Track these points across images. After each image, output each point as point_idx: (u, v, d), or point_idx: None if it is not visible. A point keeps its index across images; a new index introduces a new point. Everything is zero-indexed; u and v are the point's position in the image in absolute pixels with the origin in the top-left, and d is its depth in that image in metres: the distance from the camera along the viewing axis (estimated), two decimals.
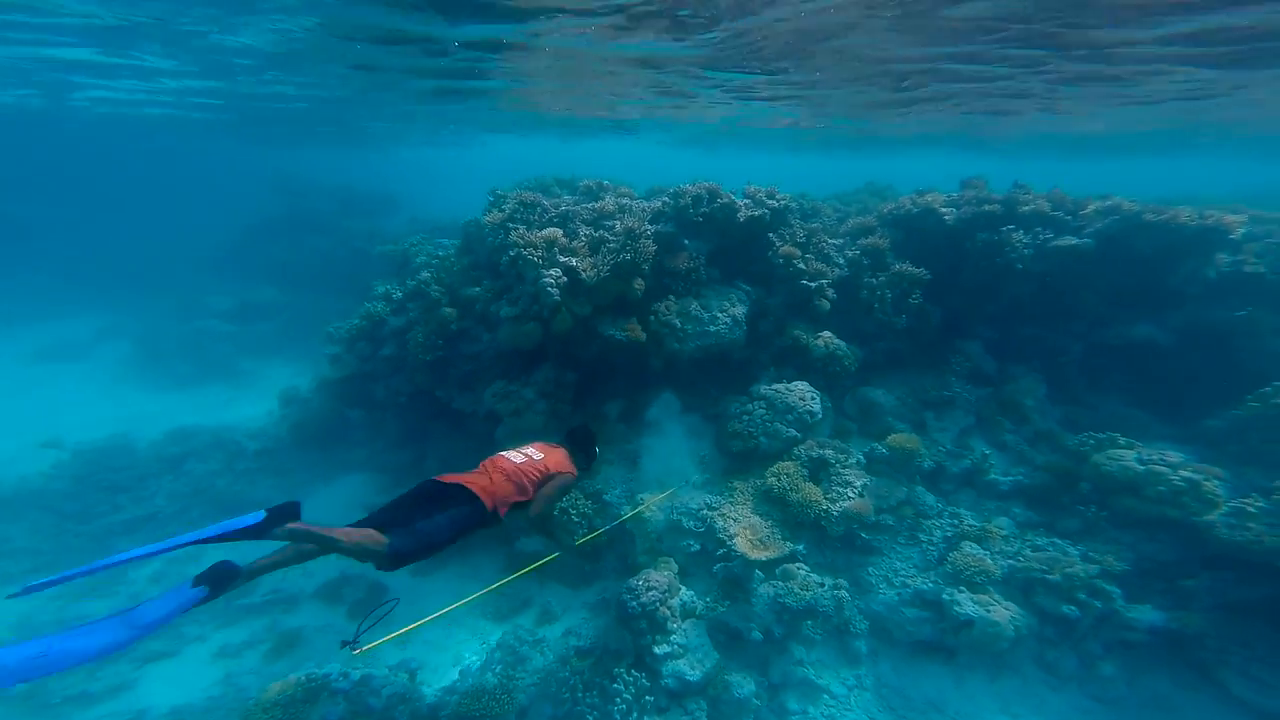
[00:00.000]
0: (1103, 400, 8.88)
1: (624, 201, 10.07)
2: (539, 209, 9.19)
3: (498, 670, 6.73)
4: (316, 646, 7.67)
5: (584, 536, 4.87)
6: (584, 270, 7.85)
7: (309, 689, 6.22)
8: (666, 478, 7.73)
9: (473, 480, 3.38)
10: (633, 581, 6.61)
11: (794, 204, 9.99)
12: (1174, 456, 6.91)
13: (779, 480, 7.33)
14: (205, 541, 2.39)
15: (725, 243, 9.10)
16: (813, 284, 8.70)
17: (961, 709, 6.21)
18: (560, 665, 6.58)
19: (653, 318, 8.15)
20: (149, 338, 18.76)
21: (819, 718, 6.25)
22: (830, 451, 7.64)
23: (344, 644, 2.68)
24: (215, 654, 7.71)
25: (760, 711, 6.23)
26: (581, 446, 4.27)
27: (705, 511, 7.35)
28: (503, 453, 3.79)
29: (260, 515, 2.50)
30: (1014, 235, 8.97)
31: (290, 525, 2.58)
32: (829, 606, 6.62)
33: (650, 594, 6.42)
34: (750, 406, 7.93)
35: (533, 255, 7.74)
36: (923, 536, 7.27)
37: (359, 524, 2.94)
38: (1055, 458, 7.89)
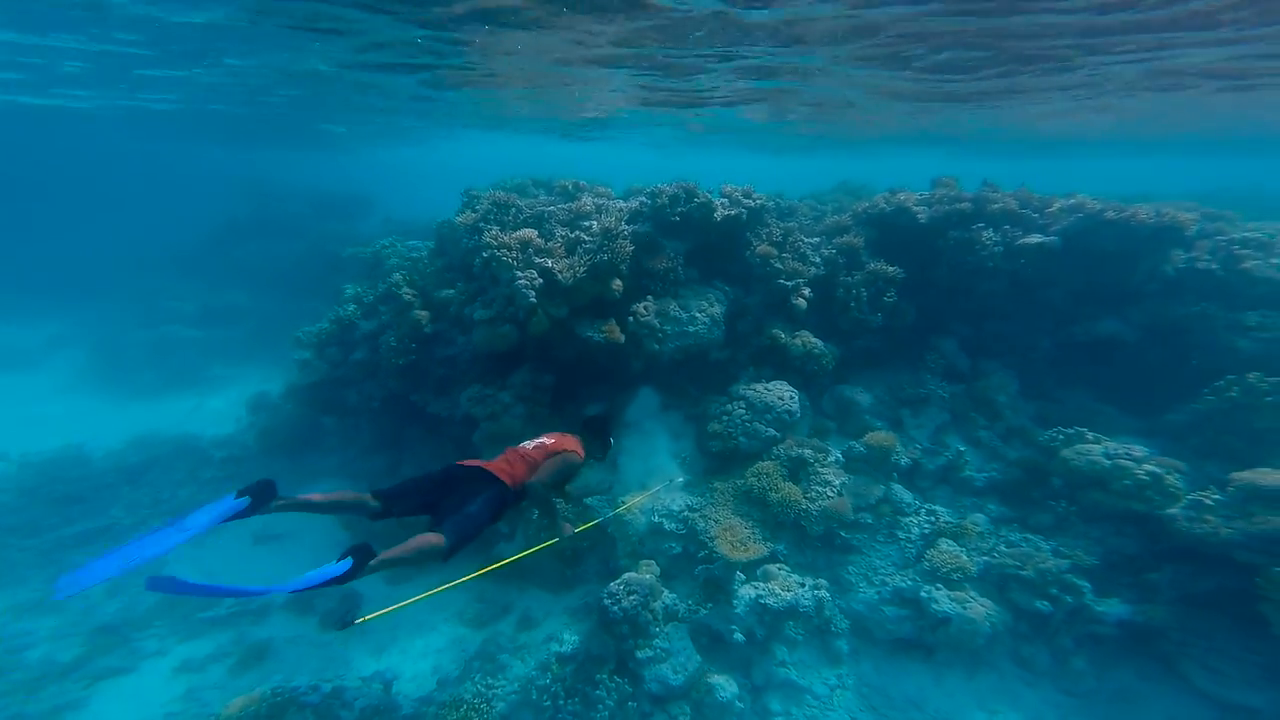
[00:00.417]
0: (1072, 395, 9.06)
1: (601, 201, 9.98)
2: (513, 209, 9.04)
3: (477, 679, 6.57)
4: (286, 658, 7.40)
5: (582, 525, 4.84)
6: (560, 271, 7.75)
7: (275, 704, 6.01)
8: (647, 478, 7.66)
9: (492, 464, 3.69)
10: (614, 585, 6.53)
11: (770, 203, 10.01)
12: (1139, 450, 7.03)
13: (759, 480, 7.32)
14: (305, 590, 2.55)
15: (703, 242, 9.07)
16: (790, 283, 8.73)
17: (941, 706, 6.25)
18: (541, 672, 6.46)
19: (631, 319, 8.08)
20: (108, 345, 18.06)
21: (802, 719, 6.24)
22: (809, 450, 7.66)
23: (342, 624, 2.82)
24: (177, 668, 7.39)
25: (744, 714, 6.18)
26: (597, 434, 4.43)
27: (687, 513, 7.32)
28: (522, 444, 4.05)
29: (348, 564, 2.64)
30: (984, 233, 9.13)
31: (371, 562, 2.73)
32: (810, 607, 6.62)
33: (632, 598, 6.36)
34: (730, 406, 7.92)
35: (507, 257, 7.61)
36: (901, 534, 7.32)
37: (382, 505, 3.26)
38: (1027, 453, 8.01)
